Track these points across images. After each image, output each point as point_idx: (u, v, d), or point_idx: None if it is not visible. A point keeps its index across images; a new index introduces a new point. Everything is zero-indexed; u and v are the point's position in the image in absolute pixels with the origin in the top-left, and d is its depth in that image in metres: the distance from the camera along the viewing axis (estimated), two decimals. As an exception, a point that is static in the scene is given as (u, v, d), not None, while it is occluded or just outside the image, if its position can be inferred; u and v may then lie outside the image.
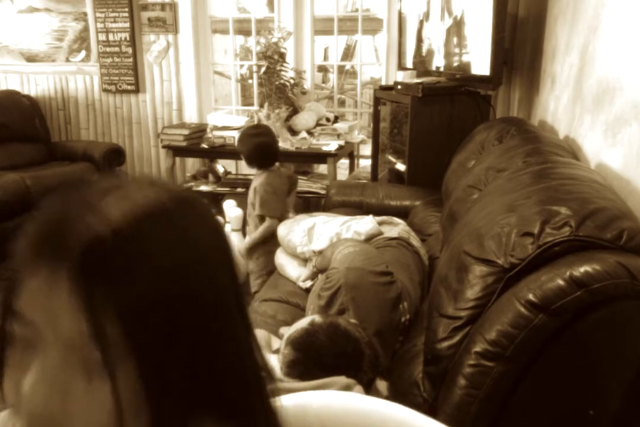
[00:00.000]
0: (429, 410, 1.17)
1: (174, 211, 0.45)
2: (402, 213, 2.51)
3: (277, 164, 2.72)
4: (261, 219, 2.60)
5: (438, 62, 2.80)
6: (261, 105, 3.73)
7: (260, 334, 1.54)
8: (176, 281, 0.43)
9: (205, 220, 0.48)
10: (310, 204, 3.53)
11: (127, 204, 0.43)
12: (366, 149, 4.06)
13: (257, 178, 2.63)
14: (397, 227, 2.08)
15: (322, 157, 3.37)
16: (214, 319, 0.46)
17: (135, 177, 0.47)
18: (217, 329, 0.46)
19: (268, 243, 2.54)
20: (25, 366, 0.43)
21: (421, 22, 2.95)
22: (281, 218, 2.56)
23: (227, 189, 3.61)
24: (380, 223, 2.10)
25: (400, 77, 3.38)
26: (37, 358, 0.43)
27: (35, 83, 4.28)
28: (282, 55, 3.55)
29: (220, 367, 0.46)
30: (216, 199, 3.46)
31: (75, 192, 0.46)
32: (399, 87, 2.82)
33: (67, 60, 4.19)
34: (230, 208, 3.03)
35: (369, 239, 2.00)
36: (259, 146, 2.58)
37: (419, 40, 2.99)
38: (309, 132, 3.57)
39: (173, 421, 0.45)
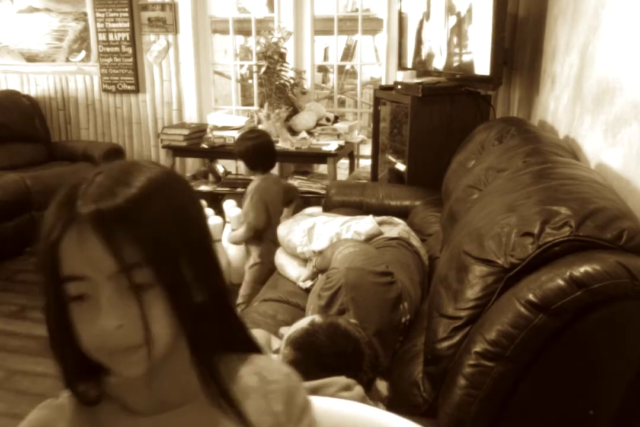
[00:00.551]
0: (429, 410, 1.17)
1: (168, 177, 0.63)
2: (402, 213, 2.51)
3: (274, 173, 2.71)
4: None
5: (438, 62, 2.80)
6: (261, 105, 3.73)
7: (260, 334, 1.54)
8: (174, 218, 0.60)
9: (186, 185, 0.67)
10: (310, 204, 3.53)
11: (129, 177, 0.59)
12: (366, 149, 4.06)
13: (252, 183, 2.64)
14: (397, 227, 2.08)
15: (322, 157, 3.37)
16: (198, 241, 0.64)
17: (136, 159, 0.64)
18: (203, 252, 0.64)
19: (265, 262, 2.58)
20: (90, 316, 0.57)
21: (421, 22, 2.95)
22: (264, 227, 2.57)
23: (227, 189, 3.61)
24: (380, 223, 2.10)
25: (400, 77, 3.38)
26: (97, 297, 0.57)
27: (35, 83, 4.28)
28: (282, 55, 3.55)
29: (211, 276, 0.65)
30: (216, 199, 3.46)
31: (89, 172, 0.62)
32: (399, 87, 2.82)
33: (67, 60, 4.19)
34: (230, 208, 3.03)
35: (369, 239, 2.00)
36: (255, 147, 2.57)
37: (419, 40, 2.99)
38: (309, 132, 3.57)
39: (203, 341, 0.64)
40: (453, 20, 2.62)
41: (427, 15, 2.89)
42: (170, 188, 0.62)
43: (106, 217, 0.55)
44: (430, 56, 2.89)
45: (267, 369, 0.70)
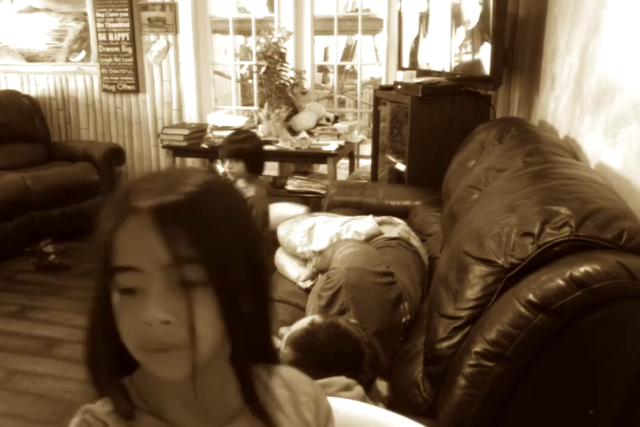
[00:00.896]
0: (429, 410, 1.17)
1: (217, 182, 0.64)
2: (402, 213, 2.51)
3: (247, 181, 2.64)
4: None
5: (438, 62, 2.80)
6: (261, 105, 3.73)
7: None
8: (230, 220, 0.60)
9: (239, 192, 0.68)
10: (310, 204, 3.53)
11: (179, 177, 0.61)
12: (366, 149, 4.06)
13: (248, 190, 2.54)
14: (397, 227, 2.08)
15: (322, 157, 3.37)
16: (250, 241, 0.63)
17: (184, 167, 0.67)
18: (253, 252, 0.63)
19: None
20: (137, 310, 0.56)
21: (421, 22, 2.95)
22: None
23: (227, 189, 3.61)
24: (380, 223, 2.10)
25: (400, 77, 3.38)
26: (147, 290, 0.56)
27: (35, 83, 4.28)
28: (282, 55, 3.55)
29: (259, 277, 0.64)
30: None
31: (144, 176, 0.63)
32: (399, 87, 2.82)
33: (67, 60, 4.19)
34: None
35: (369, 239, 2.00)
36: (258, 148, 2.54)
37: (419, 40, 2.99)
38: (309, 132, 3.57)
39: (243, 342, 0.62)
40: (453, 20, 2.62)
41: (427, 15, 2.89)
42: (225, 191, 0.63)
43: (165, 210, 0.56)
44: (430, 56, 2.89)
45: (292, 379, 0.71)
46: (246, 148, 2.55)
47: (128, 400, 0.63)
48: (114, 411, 0.62)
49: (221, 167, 3.79)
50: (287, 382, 0.70)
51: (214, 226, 0.58)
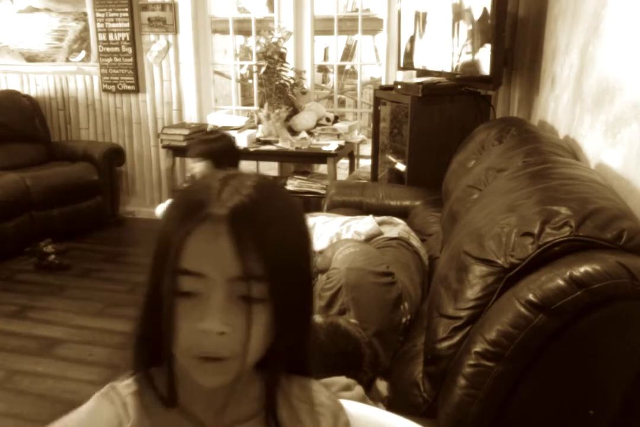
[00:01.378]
0: (429, 410, 1.17)
1: (275, 186, 0.65)
2: (402, 213, 2.51)
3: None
4: None
5: (438, 62, 2.80)
6: (261, 105, 3.73)
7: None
8: (290, 229, 0.61)
9: (286, 191, 0.71)
10: (310, 204, 3.53)
11: (249, 184, 0.60)
12: (366, 149, 4.06)
13: None
14: (397, 227, 2.08)
15: (322, 157, 3.37)
16: (306, 259, 0.64)
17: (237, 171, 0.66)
18: (308, 276, 0.65)
19: None
20: (194, 315, 0.56)
21: (421, 22, 2.95)
22: None
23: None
24: (380, 223, 2.10)
25: (400, 77, 3.38)
26: (207, 298, 0.57)
27: (35, 83, 4.28)
28: (282, 55, 3.55)
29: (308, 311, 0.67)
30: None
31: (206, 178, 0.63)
32: (399, 87, 2.82)
33: (67, 60, 4.19)
34: None
35: (369, 239, 2.00)
36: (224, 147, 2.45)
37: (419, 40, 2.99)
38: (309, 132, 3.57)
39: (283, 357, 0.63)
40: (453, 20, 2.62)
41: (427, 15, 2.89)
42: (286, 198, 0.65)
43: (240, 219, 0.56)
44: (430, 56, 2.89)
45: (313, 391, 0.71)
46: (214, 148, 2.47)
47: (154, 388, 0.64)
48: (139, 393, 0.64)
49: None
50: (308, 393, 0.70)
51: (283, 245, 0.59)
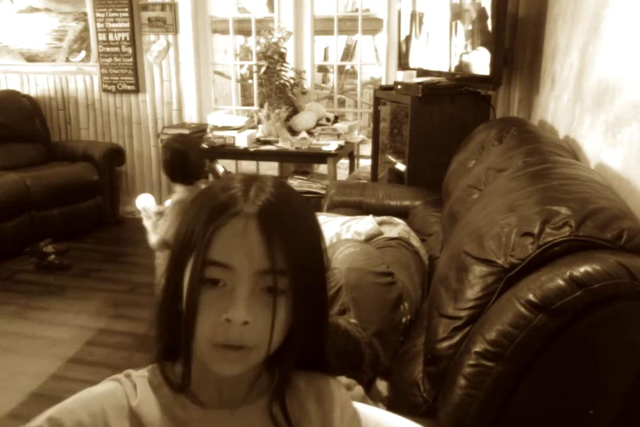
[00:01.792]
0: (429, 410, 1.17)
1: (289, 186, 0.69)
2: (402, 213, 2.51)
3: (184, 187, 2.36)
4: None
5: (438, 62, 2.80)
6: (261, 105, 3.73)
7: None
8: (307, 226, 0.65)
9: (298, 191, 0.73)
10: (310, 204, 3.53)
11: (270, 184, 0.64)
12: (366, 149, 4.06)
13: (173, 195, 2.36)
14: (397, 227, 2.08)
15: (322, 157, 3.37)
16: (321, 254, 0.66)
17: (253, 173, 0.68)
18: (323, 269, 0.67)
19: None
20: (219, 304, 0.59)
21: (421, 22, 2.95)
22: None
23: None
24: (380, 223, 2.10)
25: (400, 77, 3.38)
26: (233, 289, 0.59)
27: (35, 83, 4.28)
28: (282, 55, 3.55)
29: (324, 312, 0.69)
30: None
31: (228, 178, 0.66)
32: (399, 87, 2.82)
33: (67, 60, 4.19)
34: None
35: (369, 239, 2.00)
36: (175, 155, 2.35)
37: (419, 40, 2.99)
38: (309, 132, 3.57)
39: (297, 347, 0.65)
40: (453, 20, 2.62)
41: (427, 15, 2.89)
42: (300, 199, 0.68)
43: (269, 216, 0.60)
44: (430, 56, 2.89)
45: (322, 382, 0.74)
46: (164, 157, 2.37)
47: (166, 376, 0.67)
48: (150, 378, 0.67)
49: (221, 167, 3.80)
50: (317, 386, 0.73)
51: (305, 239, 0.63)
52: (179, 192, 2.32)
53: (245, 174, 0.66)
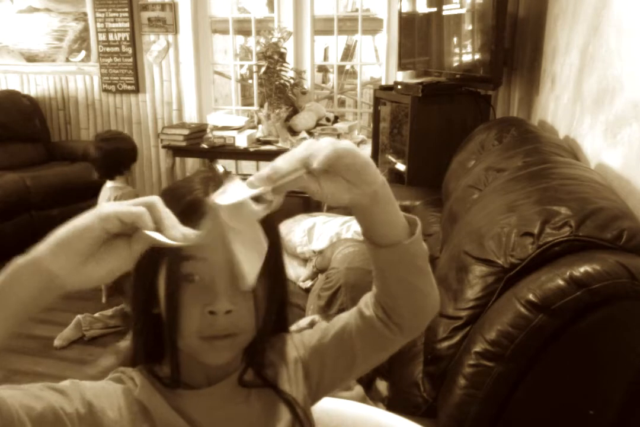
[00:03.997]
0: (429, 410, 1.17)
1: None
2: (402, 213, 2.50)
3: (123, 178, 2.48)
4: None
5: (438, 62, 2.80)
6: (261, 105, 3.73)
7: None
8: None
9: None
10: (310, 204, 3.52)
11: (224, 182, 0.64)
12: (366, 149, 4.06)
13: (102, 192, 2.43)
14: (397, 227, 2.08)
15: (322, 157, 3.36)
16: (281, 253, 0.71)
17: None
18: (281, 262, 0.72)
19: None
20: (200, 298, 0.62)
21: (421, 22, 2.95)
22: None
23: (227, 189, 3.60)
24: (380, 223, 2.09)
25: (400, 77, 3.38)
26: (211, 281, 0.62)
27: (35, 83, 4.28)
28: (282, 55, 3.55)
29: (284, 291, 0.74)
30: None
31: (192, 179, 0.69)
32: (399, 87, 2.81)
33: (67, 60, 4.19)
34: None
35: (369, 239, 1.99)
36: (108, 152, 2.42)
37: (419, 40, 2.99)
38: (309, 132, 3.57)
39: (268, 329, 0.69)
40: (453, 20, 2.62)
41: (427, 15, 2.89)
42: None
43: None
44: (430, 56, 2.89)
45: (279, 340, 0.77)
46: (96, 158, 2.51)
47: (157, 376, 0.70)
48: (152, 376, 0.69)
49: (221, 167, 3.80)
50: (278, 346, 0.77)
51: (271, 228, 0.64)
52: (109, 189, 2.46)
53: (201, 174, 0.70)
